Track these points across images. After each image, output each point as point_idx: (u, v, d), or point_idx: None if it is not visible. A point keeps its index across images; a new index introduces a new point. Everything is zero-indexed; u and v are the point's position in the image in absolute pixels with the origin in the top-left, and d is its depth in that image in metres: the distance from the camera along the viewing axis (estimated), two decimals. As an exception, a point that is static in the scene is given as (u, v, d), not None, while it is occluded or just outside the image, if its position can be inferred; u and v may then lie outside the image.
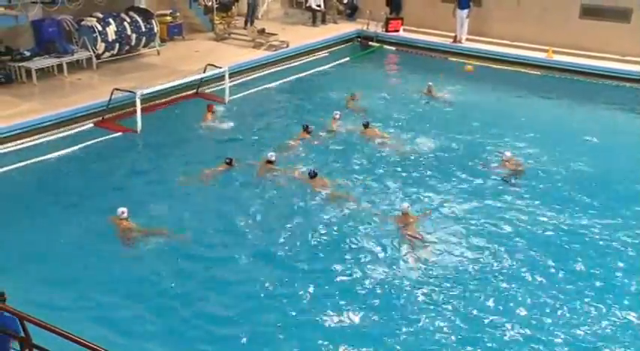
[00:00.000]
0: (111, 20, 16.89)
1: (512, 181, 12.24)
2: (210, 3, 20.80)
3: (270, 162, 12.25)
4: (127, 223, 10.21)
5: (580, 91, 17.87)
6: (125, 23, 17.19)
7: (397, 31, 21.41)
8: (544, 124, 15.24)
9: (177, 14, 19.82)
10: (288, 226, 10.62)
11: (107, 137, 13.79)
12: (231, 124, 14.75)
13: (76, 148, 13.23)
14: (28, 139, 13.38)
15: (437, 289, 9.15)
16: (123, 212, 10.23)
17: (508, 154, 12.87)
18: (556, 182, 12.34)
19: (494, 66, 19.51)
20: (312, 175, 11.72)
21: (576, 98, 17.29)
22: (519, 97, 17.40)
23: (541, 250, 10.13)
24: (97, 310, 8.57)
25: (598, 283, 9.36)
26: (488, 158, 13.17)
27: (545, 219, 10.97)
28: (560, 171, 12.79)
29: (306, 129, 13.81)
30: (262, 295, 8.99)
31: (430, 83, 16.84)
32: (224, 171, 12.28)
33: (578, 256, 9.96)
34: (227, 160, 12.31)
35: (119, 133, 14.00)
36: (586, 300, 8.98)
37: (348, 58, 20.08)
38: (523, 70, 19.18)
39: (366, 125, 14.08)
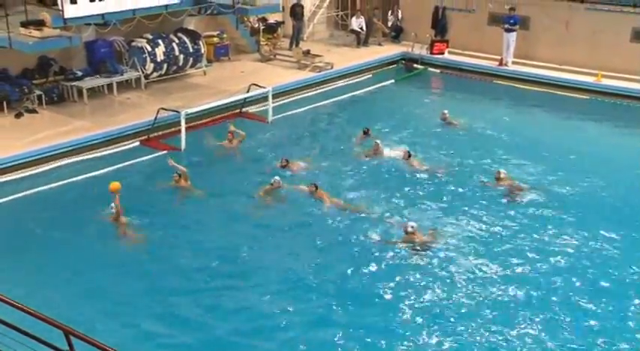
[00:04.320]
0: (160, 41, 17.35)
1: (511, 199, 12.28)
2: (256, 25, 21.15)
3: (272, 185, 12.37)
4: (123, 219, 10.86)
5: (629, 116, 17.40)
6: (174, 44, 17.62)
7: (442, 53, 21.33)
8: (584, 149, 14.91)
9: (224, 35, 20.21)
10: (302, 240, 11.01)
11: (152, 156, 14.11)
12: (272, 143, 14.93)
13: (121, 165, 13.59)
14: (78, 156, 13.82)
15: (446, 303, 9.30)
16: (112, 208, 10.89)
17: (503, 172, 12.80)
18: (587, 207, 12.09)
19: (541, 89, 19.22)
20: (314, 188, 12.09)
21: (624, 123, 16.82)
22: (564, 120, 17.05)
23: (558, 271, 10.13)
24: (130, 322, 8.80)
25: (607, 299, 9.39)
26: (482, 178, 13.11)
27: (574, 243, 10.90)
28: (595, 196, 12.54)
29: (284, 163, 13.47)
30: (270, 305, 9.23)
31: (445, 111, 16.43)
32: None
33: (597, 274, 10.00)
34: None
35: (164, 152, 14.30)
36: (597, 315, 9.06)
37: (392, 81, 20.08)
38: (571, 94, 18.81)
39: (408, 155, 13.73)
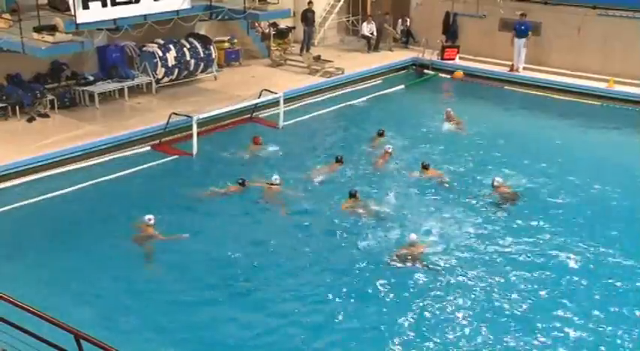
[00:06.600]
0: (171, 46, 17.41)
1: (506, 206, 12.21)
2: (267, 30, 21.20)
3: (272, 184, 12.40)
4: (151, 230, 10.73)
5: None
6: (185, 49, 17.68)
7: (453, 59, 21.28)
8: (595, 155, 14.86)
9: (235, 41, 20.26)
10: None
11: (163, 160, 14.14)
12: (284, 148, 14.91)
13: (132, 170, 13.61)
14: (89, 161, 13.86)
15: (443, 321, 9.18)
16: (150, 219, 10.84)
17: (499, 179, 12.70)
18: (595, 214, 11.98)
19: (552, 95, 19.10)
20: (352, 194, 12.02)
21: (637, 130, 16.65)
22: (575, 126, 16.91)
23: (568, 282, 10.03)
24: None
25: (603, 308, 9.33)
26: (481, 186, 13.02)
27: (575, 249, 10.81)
28: (604, 204, 12.41)
29: (338, 160, 13.68)
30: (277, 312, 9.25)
31: (449, 109, 16.47)
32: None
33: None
34: (239, 181, 12.53)
35: (175, 156, 14.33)
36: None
37: (402, 86, 20.04)
38: (583, 100, 18.70)
39: (426, 166, 13.56)
